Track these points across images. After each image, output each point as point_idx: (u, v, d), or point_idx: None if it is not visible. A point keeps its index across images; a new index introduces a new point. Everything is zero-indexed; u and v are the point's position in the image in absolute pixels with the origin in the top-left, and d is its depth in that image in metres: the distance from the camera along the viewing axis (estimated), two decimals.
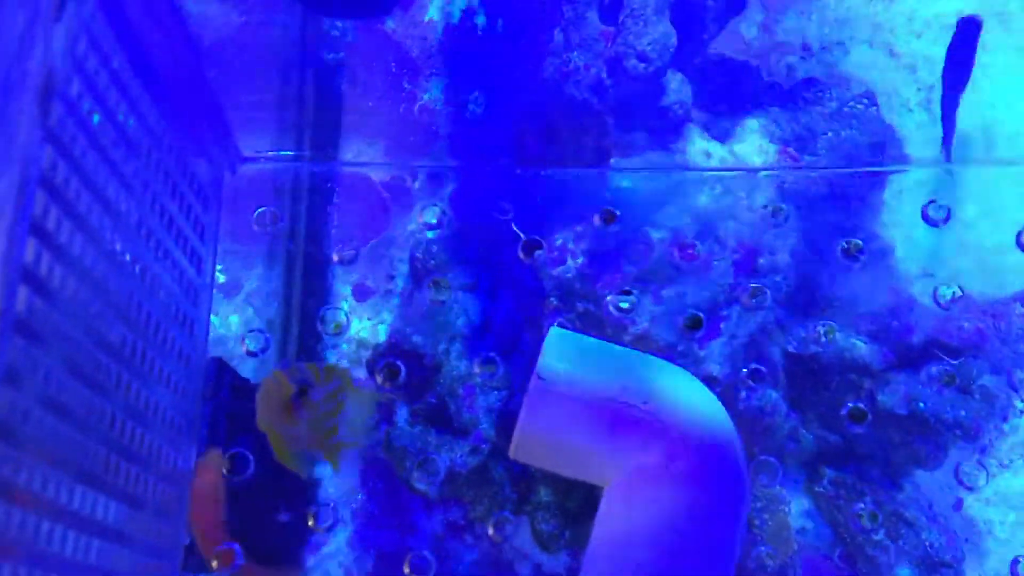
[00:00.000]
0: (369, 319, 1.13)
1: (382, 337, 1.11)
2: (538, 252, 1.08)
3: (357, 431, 0.94)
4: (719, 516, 0.82)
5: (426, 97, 1.21)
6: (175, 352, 0.93)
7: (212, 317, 1.11)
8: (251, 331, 1.07)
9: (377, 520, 1.07)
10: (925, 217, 1.10)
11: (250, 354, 1.05)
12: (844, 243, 1.10)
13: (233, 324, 1.14)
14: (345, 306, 1.13)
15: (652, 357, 0.92)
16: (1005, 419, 1.09)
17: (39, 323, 0.64)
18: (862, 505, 1.04)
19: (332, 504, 1.03)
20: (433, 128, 1.20)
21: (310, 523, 1.01)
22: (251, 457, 0.99)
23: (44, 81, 0.62)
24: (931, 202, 1.10)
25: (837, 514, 1.05)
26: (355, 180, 1.19)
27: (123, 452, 0.81)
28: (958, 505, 1.06)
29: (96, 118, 0.73)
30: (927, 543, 1.03)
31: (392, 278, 1.15)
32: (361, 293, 1.15)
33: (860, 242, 1.09)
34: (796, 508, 1.06)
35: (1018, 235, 1.09)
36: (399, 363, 1.06)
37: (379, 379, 1.05)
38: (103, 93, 0.76)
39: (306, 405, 0.84)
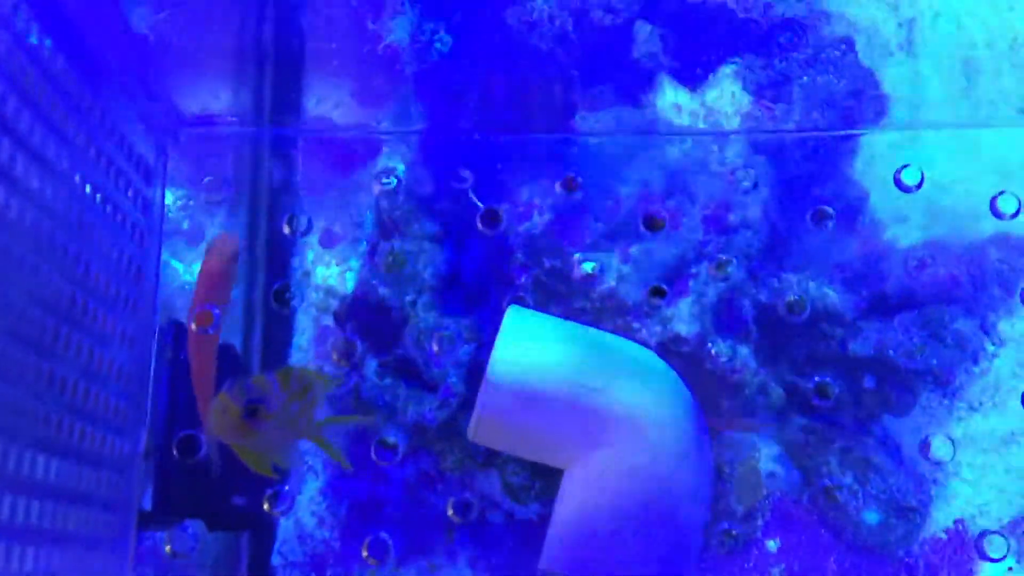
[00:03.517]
0: (337, 266, 1.12)
1: (350, 286, 1.09)
2: (499, 225, 1.06)
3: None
4: (679, 499, 0.82)
5: (391, 38, 1.17)
6: (120, 302, 0.91)
7: (177, 264, 1.09)
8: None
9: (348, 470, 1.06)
10: (898, 182, 1.08)
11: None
12: (814, 210, 1.08)
13: (197, 271, 1.12)
14: (311, 255, 1.11)
15: (612, 336, 0.91)
16: (976, 362, 1.08)
17: None
18: (831, 450, 1.04)
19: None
20: (398, 69, 1.17)
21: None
22: None
23: None
24: (905, 166, 1.08)
25: (807, 460, 1.06)
26: (320, 124, 1.16)
27: (69, 409, 0.80)
28: (926, 448, 1.06)
29: None
30: (895, 487, 1.04)
31: (359, 225, 1.13)
32: (328, 239, 1.13)
33: (831, 209, 1.08)
34: (766, 453, 1.06)
35: (992, 200, 1.08)
36: (355, 339, 1.04)
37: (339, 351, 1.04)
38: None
39: (263, 418, 0.81)
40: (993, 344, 1.08)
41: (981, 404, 1.08)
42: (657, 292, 1.03)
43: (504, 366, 0.86)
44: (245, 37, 1.18)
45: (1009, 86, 1.14)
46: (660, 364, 0.91)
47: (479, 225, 1.07)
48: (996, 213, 1.08)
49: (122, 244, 0.92)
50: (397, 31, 1.16)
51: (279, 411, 0.82)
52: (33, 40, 0.76)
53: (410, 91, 1.16)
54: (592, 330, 0.94)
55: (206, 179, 1.10)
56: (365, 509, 1.05)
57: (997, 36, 1.16)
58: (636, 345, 0.93)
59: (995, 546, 1.01)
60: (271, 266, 1.12)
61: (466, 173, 1.09)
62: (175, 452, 0.97)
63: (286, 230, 1.10)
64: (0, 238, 0.69)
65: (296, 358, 1.09)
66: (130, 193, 0.94)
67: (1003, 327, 1.09)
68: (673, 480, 0.84)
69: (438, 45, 1.15)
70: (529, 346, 0.88)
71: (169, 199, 1.10)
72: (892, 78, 1.14)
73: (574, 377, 0.86)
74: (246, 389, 0.81)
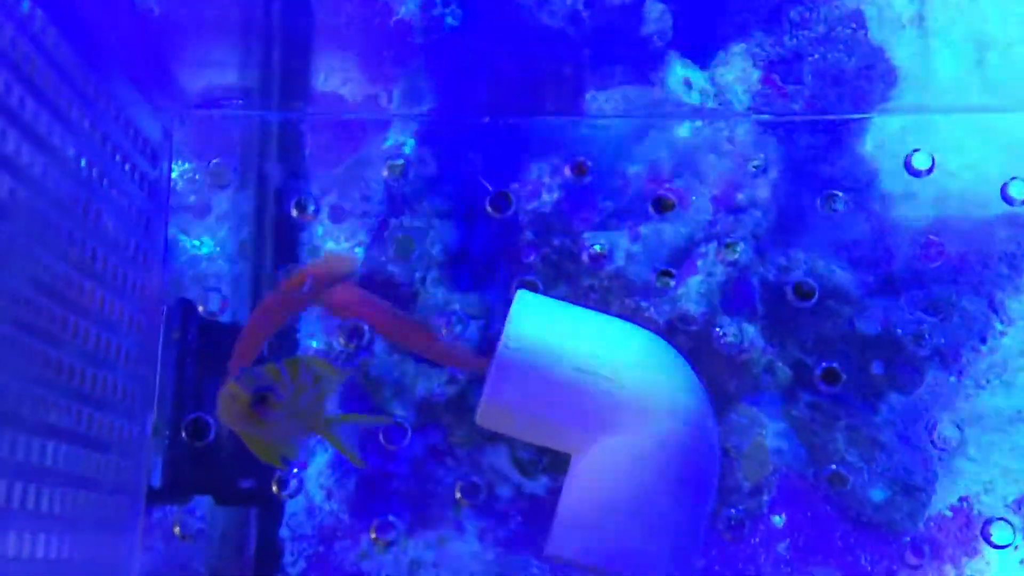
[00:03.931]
0: (346, 241, 1.11)
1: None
2: (508, 208, 1.06)
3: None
4: (686, 486, 0.83)
5: (402, 11, 1.16)
6: (127, 287, 0.92)
7: (184, 237, 1.09)
8: (208, 290, 1.05)
9: (357, 444, 1.07)
10: (908, 167, 1.07)
11: (209, 313, 1.03)
12: (823, 190, 1.08)
13: (206, 245, 1.12)
14: (320, 230, 1.11)
15: (621, 322, 0.91)
16: (983, 340, 1.08)
17: None
18: (837, 428, 1.05)
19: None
20: (409, 43, 1.16)
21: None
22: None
23: None
24: (915, 151, 1.07)
25: (812, 437, 1.06)
26: (328, 99, 1.15)
27: (77, 395, 0.80)
28: (932, 426, 1.06)
29: None
30: (900, 465, 1.04)
31: (368, 200, 1.12)
32: (337, 215, 1.13)
33: (840, 192, 1.07)
34: (772, 429, 1.06)
35: (1003, 187, 1.08)
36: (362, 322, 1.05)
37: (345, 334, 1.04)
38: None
39: (272, 407, 0.81)
40: (1001, 323, 1.08)
41: (988, 382, 1.08)
42: (665, 274, 1.03)
43: (512, 352, 0.86)
44: (253, 11, 1.17)
45: (1021, 62, 1.13)
46: (669, 350, 0.91)
47: (488, 208, 1.07)
48: (1007, 199, 1.07)
49: (128, 228, 0.92)
50: (408, 4, 1.15)
51: (288, 401, 0.82)
52: (37, 27, 0.75)
53: (420, 66, 1.15)
54: (600, 315, 0.94)
55: (213, 161, 1.10)
56: (374, 483, 1.06)
57: (1009, 11, 1.14)
58: (645, 331, 0.93)
59: (1001, 532, 1.02)
60: (280, 244, 1.12)
61: (474, 157, 1.08)
62: (183, 434, 0.97)
63: (294, 213, 1.10)
64: (5, 227, 0.69)
65: (304, 333, 1.09)
66: (136, 176, 0.94)
67: (1012, 306, 1.08)
68: (680, 467, 0.84)
69: (449, 20, 1.15)
70: (537, 332, 0.88)
71: (176, 172, 1.10)
72: (903, 55, 1.13)
73: (582, 363, 0.86)
74: (255, 376, 0.81)
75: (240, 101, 1.14)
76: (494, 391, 0.85)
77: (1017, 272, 1.08)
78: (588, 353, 0.86)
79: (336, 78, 1.15)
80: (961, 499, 1.05)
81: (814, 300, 1.04)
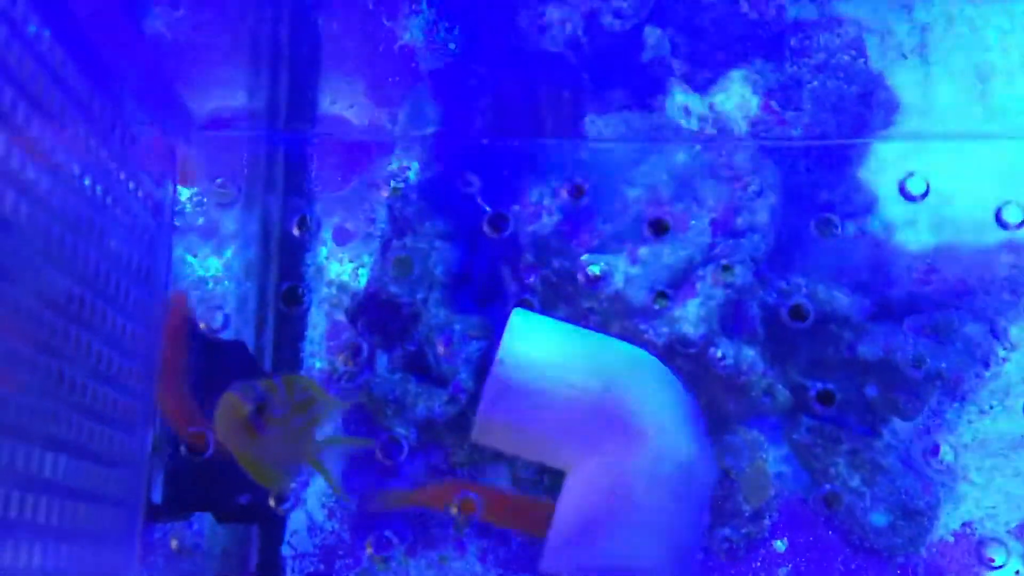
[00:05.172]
0: (350, 262, 1.12)
1: (363, 282, 1.10)
2: (505, 229, 1.07)
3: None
4: (680, 504, 0.83)
5: (406, 36, 1.18)
6: (130, 303, 0.93)
7: (192, 259, 1.11)
8: (211, 308, 1.06)
9: (359, 463, 1.07)
10: (902, 191, 1.08)
11: (210, 329, 1.04)
12: (822, 214, 1.08)
13: (212, 266, 1.13)
14: (324, 251, 1.12)
15: (615, 340, 0.92)
16: (987, 366, 1.08)
17: None
18: (839, 452, 1.05)
19: None
20: (413, 68, 1.17)
21: None
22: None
23: None
24: (909, 175, 1.08)
25: (814, 461, 1.06)
26: (334, 122, 1.17)
27: (78, 408, 0.81)
28: (935, 451, 1.06)
29: None
30: (902, 490, 1.04)
31: (372, 221, 1.14)
32: (341, 236, 1.14)
33: (837, 216, 1.08)
34: (774, 453, 1.06)
35: (997, 211, 1.08)
36: (365, 338, 1.05)
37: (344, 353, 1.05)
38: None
39: (268, 422, 0.82)
40: (1004, 348, 1.08)
41: (991, 408, 1.08)
42: (661, 295, 1.03)
43: (508, 369, 0.87)
44: (261, 35, 1.19)
45: (1022, 93, 1.13)
46: (662, 369, 0.92)
47: (486, 228, 1.08)
48: (1002, 224, 1.08)
49: (132, 246, 0.94)
50: (412, 30, 1.17)
51: (282, 419, 0.83)
52: (44, 46, 0.77)
53: (424, 89, 1.16)
54: (595, 334, 0.95)
55: (217, 180, 1.12)
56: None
57: (1011, 40, 1.15)
58: (639, 349, 0.94)
59: (996, 553, 1.01)
60: (284, 264, 1.13)
61: (473, 178, 1.09)
62: (183, 449, 0.98)
63: (296, 232, 1.11)
64: (10, 241, 0.70)
65: (308, 353, 1.10)
66: (140, 195, 0.96)
67: (1014, 332, 1.08)
68: (674, 485, 0.85)
69: (451, 46, 1.16)
70: (533, 349, 0.88)
71: (185, 195, 1.11)
72: (904, 83, 1.14)
73: (577, 381, 0.87)
74: (253, 389, 0.82)
75: (248, 117, 1.15)
76: (489, 408, 0.86)
77: (1019, 298, 1.09)
78: (582, 370, 0.87)
79: (342, 101, 1.17)
80: (963, 524, 1.05)
81: (809, 322, 1.05)
